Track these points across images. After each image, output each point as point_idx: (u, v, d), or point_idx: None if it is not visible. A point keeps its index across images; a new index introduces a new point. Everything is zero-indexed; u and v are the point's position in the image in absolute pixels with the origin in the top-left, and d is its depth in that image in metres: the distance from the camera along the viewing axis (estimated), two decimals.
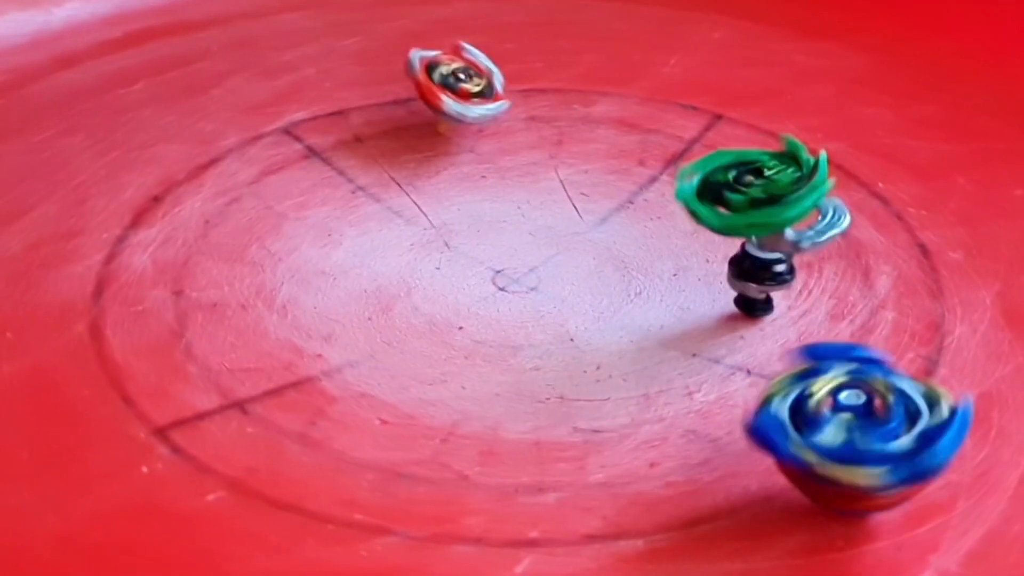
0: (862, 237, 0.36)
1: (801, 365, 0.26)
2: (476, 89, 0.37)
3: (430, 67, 0.37)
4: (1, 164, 0.33)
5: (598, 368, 0.32)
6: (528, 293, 0.34)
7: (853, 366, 0.26)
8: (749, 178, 0.28)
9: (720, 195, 0.28)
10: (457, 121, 0.37)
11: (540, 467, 0.27)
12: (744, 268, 0.30)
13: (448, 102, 0.36)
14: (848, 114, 0.41)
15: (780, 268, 0.30)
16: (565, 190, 0.38)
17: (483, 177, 0.38)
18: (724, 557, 0.24)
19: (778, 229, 0.28)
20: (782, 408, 0.25)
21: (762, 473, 0.26)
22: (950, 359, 0.30)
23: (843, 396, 0.25)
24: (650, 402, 0.30)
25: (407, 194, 0.37)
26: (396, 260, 0.34)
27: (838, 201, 0.29)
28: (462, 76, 0.37)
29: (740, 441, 0.27)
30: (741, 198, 0.28)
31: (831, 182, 0.28)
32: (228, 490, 0.25)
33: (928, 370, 0.30)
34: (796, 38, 0.44)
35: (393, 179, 0.37)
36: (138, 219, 0.34)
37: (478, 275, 0.34)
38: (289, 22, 0.42)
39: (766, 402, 0.25)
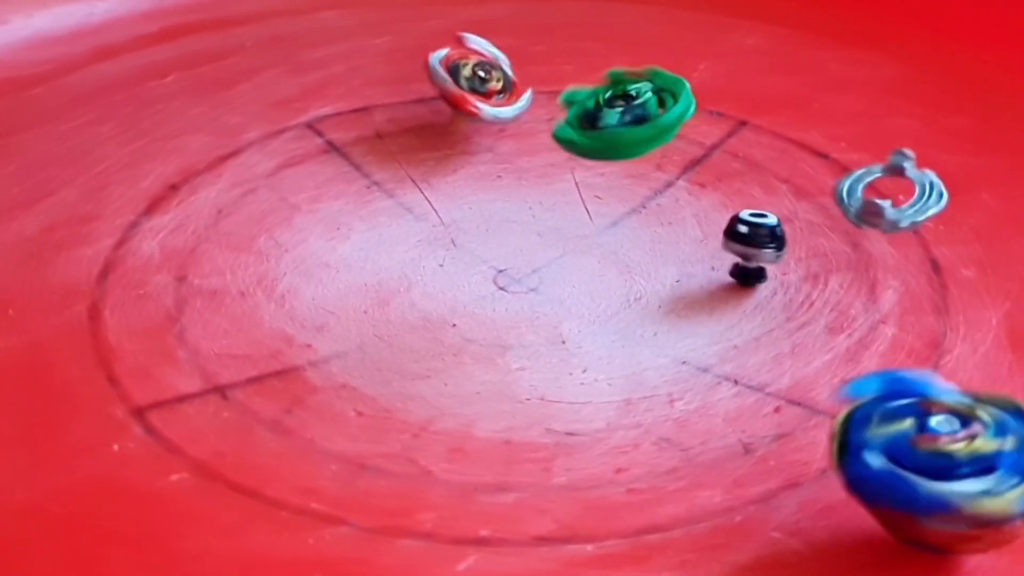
0: (873, 250, 0.35)
1: (854, 404, 0.24)
2: (499, 85, 0.36)
3: (451, 71, 0.36)
4: (31, 149, 0.35)
5: (584, 371, 0.31)
6: (527, 294, 0.34)
7: (918, 395, 0.24)
8: (620, 103, 0.29)
9: (594, 121, 0.29)
10: (490, 122, 0.38)
11: (506, 467, 0.27)
12: (734, 232, 0.31)
13: (485, 109, 0.35)
14: (876, 124, 0.40)
15: (764, 235, 0.30)
16: (579, 192, 0.37)
17: (499, 177, 0.38)
18: (670, 568, 0.24)
19: (641, 150, 0.29)
20: (879, 458, 0.22)
21: (727, 485, 0.26)
22: (944, 379, 0.30)
23: (935, 423, 0.24)
24: (630, 408, 0.30)
25: (421, 191, 0.37)
26: (401, 255, 0.34)
27: (934, 176, 0.29)
28: (482, 74, 0.36)
29: (712, 452, 0.26)
30: (610, 120, 0.29)
31: (694, 105, 0.29)
32: (192, 472, 0.25)
33: None
34: (831, 45, 0.43)
35: (409, 176, 0.37)
36: (153, 206, 0.34)
37: (480, 274, 0.34)
38: (323, 20, 0.43)
39: (856, 453, 0.23)
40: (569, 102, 0.29)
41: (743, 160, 0.39)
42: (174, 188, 0.35)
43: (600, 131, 0.28)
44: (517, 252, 0.35)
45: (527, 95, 0.37)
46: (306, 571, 0.23)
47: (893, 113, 0.40)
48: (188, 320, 0.31)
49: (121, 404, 0.27)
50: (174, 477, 0.25)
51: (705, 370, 0.31)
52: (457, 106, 0.35)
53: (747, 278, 0.31)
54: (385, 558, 0.24)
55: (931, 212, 0.28)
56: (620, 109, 0.28)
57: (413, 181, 0.37)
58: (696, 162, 0.38)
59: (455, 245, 0.35)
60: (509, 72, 0.36)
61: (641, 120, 0.28)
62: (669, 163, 0.38)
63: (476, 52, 0.37)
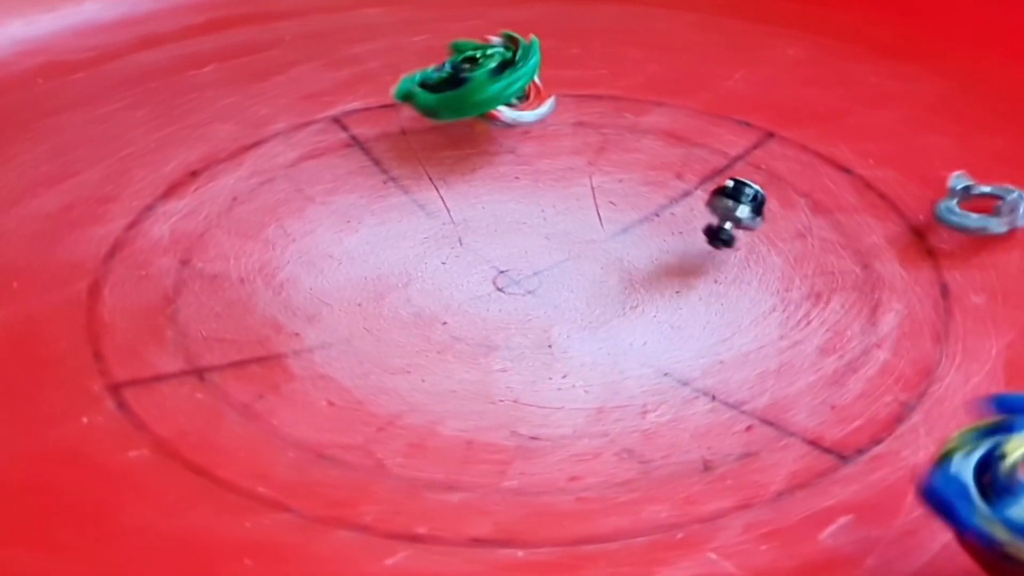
0: (883, 271, 0.33)
1: (990, 417, 0.23)
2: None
3: None
4: (65, 130, 0.36)
5: (564, 377, 0.31)
6: (524, 296, 0.33)
7: None
8: (466, 66, 0.32)
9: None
10: (515, 126, 0.36)
11: (461, 466, 0.27)
12: (721, 188, 0.31)
13: (505, 113, 0.34)
14: (910, 142, 0.38)
15: (748, 195, 0.30)
16: (594, 197, 0.37)
17: (516, 178, 0.38)
18: (664, 565, 0.23)
19: (474, 108, 0.31)
20: (965, 468, 0.21)
21: (678, 501, 0.25)
22: (928, 408, 0.27)
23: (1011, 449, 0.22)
24: (601, 416, 0.29)
25: (436, 189, 0.37)
26: (405, 251, 0.34)
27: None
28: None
29: (671, 467, 0.25)
30: (437, 78, 0.31)
31: (532, 67, 0.31)
32: (152, 449, 0.25)
33: (900, 416, 0.27)
34: (874, 59, 0.41)
35: (427, 173, 0.37)
36: (171, 191, 0.35)
37: (480, 273, 0.34)
38: (364, 17, 0.43)
39: (945, 459, 0.22)
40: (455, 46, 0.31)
41: (765, 172, 0.38)
42: (194, 174, 0.36)
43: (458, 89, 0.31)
44: (521, 254, 0.34)
45: (550, 101, 0.36)
46: (236, 554, 0.23)
47: (928, 131, 0.38)
48: (183, 302, 0.31)
49: (100, 379, 0.27)
50: (133, 453, 0.25)
51: (685, 383, 0.30)
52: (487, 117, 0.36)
53: (715, 238, 0.31)
54: (317, 547, 0.24)
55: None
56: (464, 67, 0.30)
57: (430, 179, 0.37)
58: (717, 172, 0.37)
59: (461, 244, 0.35)
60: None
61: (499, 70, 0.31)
62: (689, 172, 0.37)
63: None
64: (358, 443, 0.27)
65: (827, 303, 0.32)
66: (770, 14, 0.43)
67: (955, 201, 0.32)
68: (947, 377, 0.28)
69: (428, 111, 0.33)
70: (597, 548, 0.24)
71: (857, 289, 0.32)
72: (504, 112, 0.36)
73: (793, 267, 0.34)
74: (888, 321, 0.31)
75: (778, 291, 0.33)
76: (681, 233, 0.35)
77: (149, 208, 0.35)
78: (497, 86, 0.32)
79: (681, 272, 0.34)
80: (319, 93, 0.40)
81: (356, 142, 0.38)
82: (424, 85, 0.33)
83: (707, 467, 0.27)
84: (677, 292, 0.33)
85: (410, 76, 0.32)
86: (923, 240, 0.34)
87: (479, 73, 0.32)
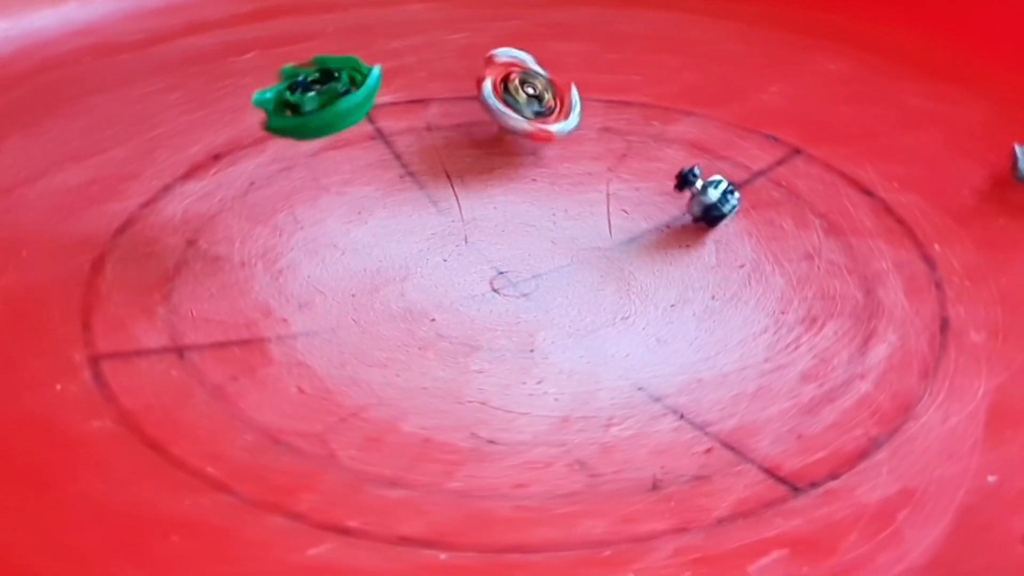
0: (885, 299, 0.31)
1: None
2: (551, 95, 0.35)
3: (507, 103, 0.35)
4: (102, 109, 0.37)
5: (539, 383, 0.30)
6: (518, 299, 0.33)
7: None
8: (316, 87, 0.31)
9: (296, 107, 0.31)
10: (483, 106, 0.35)
11: (411, 463, 0.26)
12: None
13: (556, 130, 0.34)
14: (940, 166, 0.36)
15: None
16: (608, 204, 0.36)
17: (533, 180, 0.37)
18: None
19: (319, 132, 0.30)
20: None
21: (615, 518, 0.24)
22: (897, 446, 0.26)
23: None
24: (565, 426, 0.28)
25: (452, 186, 0.36)
26: (409, 246, 0.34)
27: None
28: (531, 91, 0.34)
29: (619, 483, 0.25)
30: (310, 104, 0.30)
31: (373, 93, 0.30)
32: (115, 421, 0.26)
33: (865, 451, 0.26)
34: (916, 78, 0.39)
35: (445, 170, 0.37)
36: (192, 172, 0.36)
37: (479, 273, 0.34)
38: (407, 13, 0.43)
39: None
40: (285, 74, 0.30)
41: (785, 190, 0.37)
42: (217, 158, 0.37)
43: (302, 115, 0.30)
44: (524, 256, 0.34)
45: (529, 123, 0.34)
46: (166, 530, 0.24)
47: (962, 156, 0.36)
48: (181, 281, 0.32)
49: (83, 349, 0.28)
50: (96, 423, 0.26)
51: (657, 399, 0.29)
52: (533, 141, 0.35)
53: (683, 181, 0.31)
54: (245, 531, 0.24)
55: None
56: (315, 92, 0.30)
57: (447, 175, 0.37)
58: (737, 187, 0.37)
59: (466, 242, 0.35)
60: (542, 71, 0.35)
61: (335, 99, 0.30)
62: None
63: (512, 64, 0.36)
64: (316, 432, 0.27)
65: (821, 328, 0.31)
66: (815, 27, 0.42)
67: None
68: (924, 416, 0.27)
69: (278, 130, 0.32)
70: (521, 558, 0.23)
71: (854, 316, 0.31)
72: (556, 130, 0.35)
73: (794, 289, 0.33)
74: (878, 352, 0.30)
75: (774, 312, 0.32)
76: (688, 246, 0.34)
77: (167, 188, 0.35)
78: (331, 113, 0.31)
79: (680, 285, 0.33)
80: None
81: (381, 135, 0.38)
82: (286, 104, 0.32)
83: (655, 486, 0.26)
84: (672, 305, 0.32)
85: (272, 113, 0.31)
86: (933, 270, 0.33)
87: (307, 99, 0.31)
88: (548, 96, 0.36)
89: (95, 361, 0.28)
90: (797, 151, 0.37)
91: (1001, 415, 0.27)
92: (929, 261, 0.33)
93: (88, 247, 0.32)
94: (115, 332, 0.29)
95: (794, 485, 0.25)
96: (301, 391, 0.29)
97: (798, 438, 0.27)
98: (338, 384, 0.29)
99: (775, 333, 0.31)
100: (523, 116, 0.35)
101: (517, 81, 0.36)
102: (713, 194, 0.33)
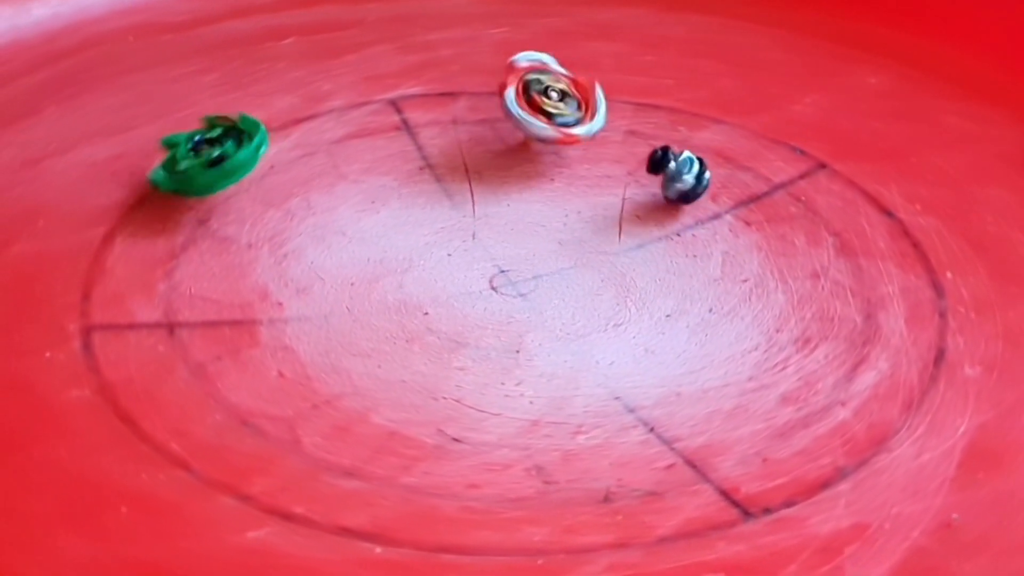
0: (884, 325, 0.30)
1: None
2: (554, 111, 0.34)
3: (527, 85, 0.35)
4: (139, 87, 0.37)
5: (517, 384, 0.30)
6: (515, 298, 0.33)
7: None
8: (205, 148, 0.32)
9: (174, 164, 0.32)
10: (506, 116, 0.34)
11: (371, 455, 0.26)
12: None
13: (581, 133, 0.33)
14: (967, 190, 0.34)
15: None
16: (622, 209, 0.35)
17: (551, 180, 0.37)
18: None
19: (216, 188, 0.31)
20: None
21: (559, 528, 0.23)
22: (861, 478, 0.25)
23: None
24: (533, 429, 0.28)
25: (468, 181, 0.36)
26: (416, 238, 0.34)
27: None
28: (555, 95, 0.34)
29: (573, 492, 0.24)
30: (195, 162, 0.31)
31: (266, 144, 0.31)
32: (93, 391, 0.26)
33: (828, 481, 0.25)
34: (959, 96, 0.37)
35: (465, 164, 0.37)
36: None
37: (481, 270, 0.33)
38: (449, 5, 0.43)
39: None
40: (167, 145, 0.32)
41: (803, 205, 0.35)
42: None
43: (180, 173, 0.31)
44: (528, 256, 0.34)
45: (552, 131, 0.34)
46: (117, 501, 0.24)
47: (992, 181, 0.34)
48: (186, 259, 0.32)
49: (78, 319, 0.29)
50: (74, 392, 0.27)
51: (632, 410, 0.28)
52: (561, 145, 0.34)
53: (656, 164, 0.31)
54: (192, 508, 0.24)
55: None
56: (194, 153, 0.31)
57: (466, 170, 0.37)
58: (754, 199, 0.35)
59: (474, 238, 0.34)
60: (562, 69, 0.35)
61: (217, 161, 0.31)
62: (726, 195, 0.35)
63: (533, 68, 0.36)
64: (286, 416, 0.27)
65: (813, 350, 0.30)
66: (859, 38, 0.40)
67: None
68: (898, 449, 0.26)
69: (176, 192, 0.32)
70: (454, 559, 0.23)
71: (849, 340, 0.30)
72: (581, 134, 0.35)
73: (794, 307, 0.32)
74: (865, 379, 0.29)
75: (768, 330, 0.31)
76: (695, 256, 0.34)
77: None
78: (213, 175, 0.31)
79: (680, 296, 0.32)
80: (384, 75, 0.40)
81: (406, 126, 0.39)
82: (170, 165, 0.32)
83: (607, 499, 0.25)
84: (667, 316, 0.32)
85: (159, 168, 0.32)
86: (940, 298, 0.31)
87: (192, 164, 0.31)
88: (573, 98, 0.36)
89: (87, 332, 0.29)
90: (822, 165, 0.36)
91: (977, 455, 0.25)
92: (938, 288, 0.31)
93: (103, 220, 0.33)
94: (112, 305, 0.30)
95: (746, 509, 0.24)
96: (281, 375, 0.29)
97: (763, 461, 0.26)
98: (318, 371, 0.29)
99: (765, 351, 0.30)
100: (548, 121, 0.35)
101: (542, 87, 0.36)
102: (688, 179, 0.32)
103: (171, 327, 0.30)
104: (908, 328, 0.29)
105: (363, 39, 0.42)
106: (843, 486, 0.24)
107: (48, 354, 0.27)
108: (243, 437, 0.26)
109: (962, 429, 0.26)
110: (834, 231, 0.34)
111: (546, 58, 0.36)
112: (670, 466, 0.26)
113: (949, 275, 0.31)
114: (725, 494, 0.25)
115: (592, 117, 0.36)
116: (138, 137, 0.37)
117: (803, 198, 0.35)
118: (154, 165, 0.34)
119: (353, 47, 0.41)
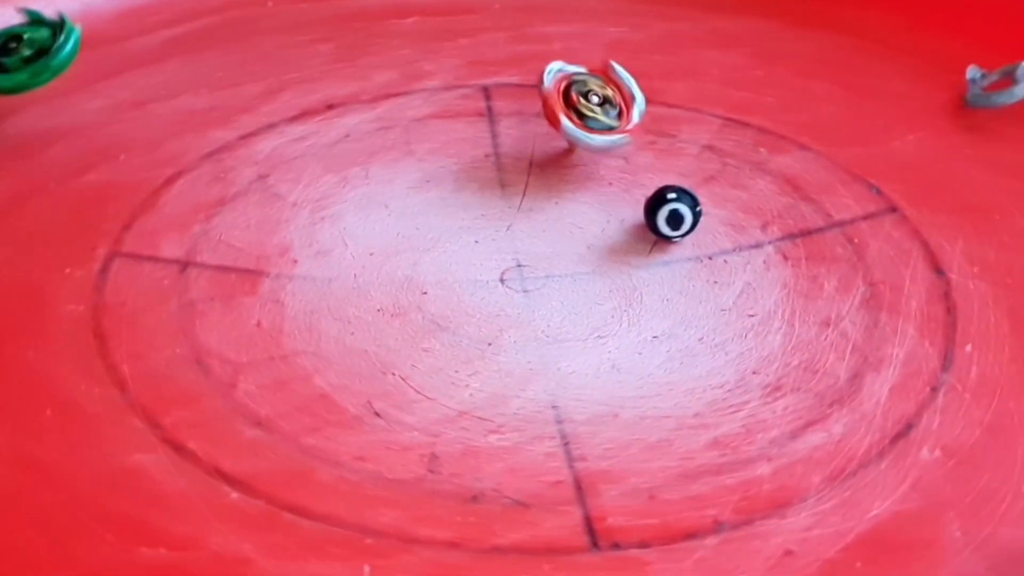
0: (864, 390, 0.27)
1: None
2: (608, 120, 0.34)
3: (570, 85, 0.34)
4: (256, 49, 0.38)
5: (471, 375, 0.29)
6: (517, 293, 0.32)
7: None
8: (13, 44, 0.33)
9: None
10: (573, 143, 0.34)
11: (289, 411, 0.27)
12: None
13: (566, 124, 0.33)
14: None
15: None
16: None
17: (610, 184, 0.35)
18: (318, 557, 0.22)
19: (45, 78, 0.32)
20: None
21: (411, 517, 0.23)
22: (731, 539, 0.22)
23: None
24: (454, 421, 0.27)
25: (528, 173, 0.36)
26: (452, 221, 0.34)
27: None
28: (596, 100, 0.34)
29: (449, 485, 0.24)
30: (14, 59, 0.32)
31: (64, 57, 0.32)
32: (87, 308, 0.28)
33: (697, 532, 0.23)
34: None
35: (532, 158, 0.36)
36: (301, 116, 0.37)
37: (498, 261, 0.33)
38: (576, 2, 0.42)
39: None
40: None
41: (853, 247, 0.32)
42: (330, 107, 0.39)
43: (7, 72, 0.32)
44: (551, 255, 0.33)
45: (620, 137, 0.33)
46: (46, 403, 0.26)
47: None
48: (231, 207, 0.34)
49: (110, 245, 0.31)
50: (71, 307, 0.29)
51: (560, 422, 0.27)
52: (544, 108, 0.34)
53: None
54: (107, 423, 0.25)
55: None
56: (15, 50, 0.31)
57: (531, 163, 0.36)
58: (804, 233, 0.32)
59: (508, 230, 0.34)
60: (635, 116, 0.33)
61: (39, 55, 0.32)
62: (778, 225, 0.33)
63: (613, 82, 0.35)
64: (239, 362, 0.29)
65: (777, 399, 0.27)
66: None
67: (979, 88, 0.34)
68: (791, 517, 0.23)
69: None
70: (292, 519, 0.23)
71: (820, 397, 0.27)
72: (566, 124, 0.34)
73: (785, 352, 0.29)
74: (810, 440, 0.26)
75: (745, 371, 0.28)
76: (716, 283, 0.31)
77: (272, 126, 0.38)
78: (23, 76, 0.32)
79: (678, 319, 0.30)
80: (487, 62, 0.40)
81: (489, 113, 0.39)
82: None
83: (475, 499, 0.24)
84: (654, 337, 0.30)
85: None
86: (943, 372, 0.27)
87: (12, 60, 0.32)
88: (615, 106, 0.35)
89: (111, 257, 0.32)
90: (893, 209, 0.33)
91: (873, 544, 0.23)
92: (948, 361, 0.28)
93: (174, 163, 0.36)
94: (145, 237, 0.32)
95: (596, 540, 0.23)
96: (259, 325, 0.30)
97: (650, 499, 0.24)
98: (294, 327, 0.30)
99: (729, 391, 0.28)
100: (602, 125, 0.34)
101: (596, 88, 0.35)
102: (665, 230, 0.30)
103: (185, 265, 0.32)
104: (890, 396, 0.26)
105: (481, 25, 0.43)
106: (708, 541, 0.23)
107: (68, 270, 0.31)
108: (188, 373, 0.28)
109: (875, 512, 0.23)
110: (871, 280, 0.31)
111: (573, 68, 0.35)
112: (557, 483, 0.25)
113: (968, 348, 0.28)
114: (588, 521, 0.24)
115: (630, 113, 0.35)
116: (238, 93, 0.40)
117: (856, 240, 0.32)
118: (243, 119, 0.38)
119: (469, 32, 0.42)
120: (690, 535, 0.23)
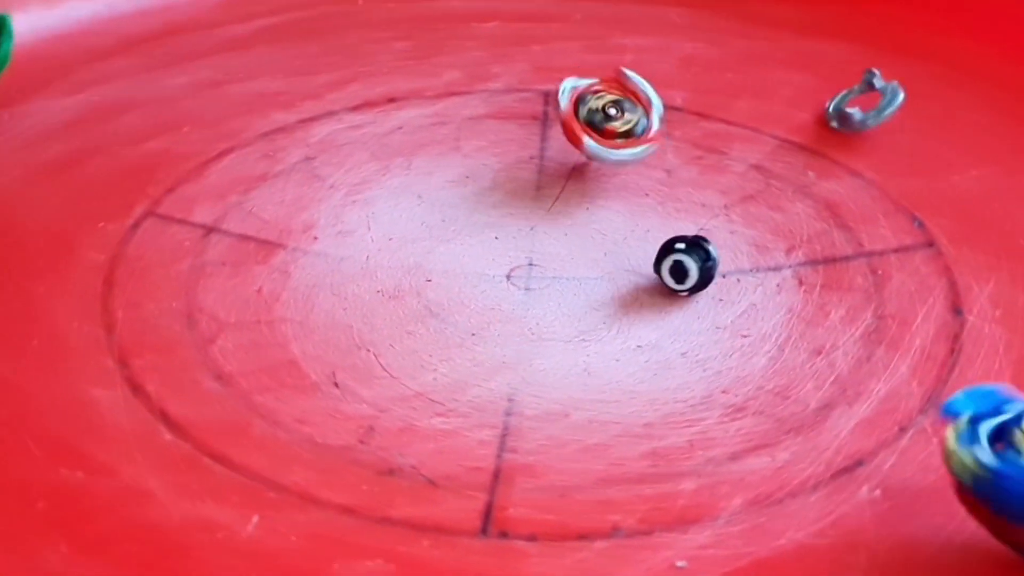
0: (828, 422, 0.25)
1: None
2: (624, 128, 0.33)
3: (579, 100, 0.34)
4: (339, 42, 0.38)
5: (442, 360, 0.28)
6: (519, 291, 0.31)
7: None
8: None
9: None
10: (599, 161, 0.33)
11: (252, 371, 0.27)
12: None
13: (589, 143, 0.33)
14: None
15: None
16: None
17: (646, 195, 0.34)
18: (215, 500, 0.22)
19: None
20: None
21: (313, 481, 0.23)
22: (618, 545, 0.21)
23: None
24: (406, 400, 0.27)
25: (567, 179, 0.35)
26: (479, 217, 0.33)
27: (895, 84, 0.33)
28: (612, 112, 0.33)
29: (370, 456, 0.23)
30: None
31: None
32: (106, 258, 0.29)
33: (586, 534, 0.21)
34: None
35: (574, 163, 0.35)
36: (360, 107, 0.37)
37: (511, 259, 0.32)
38: (658, 13, 0.40)
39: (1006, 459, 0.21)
40: None
41: (875, 279, 0.29)
42: (391, 100, 0.39)
43: None
44: (564, 258, 0.32)
45: (644, 147, 0.32)
46: (33, 334, 0.27)
47: None
48: (271, 183, 0.35)
49: (147, 206, 0.32)
50: (92, 255, 0.30)
51: (508, 414, 0.26)
52: (564, 131, 0.33)
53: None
54: (79, 357, 0.26)
55: (891, 110, 0.33)
56: None
57: (572, 169, 0.35)
58: (828, 260, 0.30)
59: (531, 230, 0.33)
60: (655, 121, 0.33)
61: None
62: (804, 250, 0.31)
63: (629, 91, 0.34)
64: (225, 322, 0.29)
65: (735, 420, 0.25)
66: None
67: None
68: (691, 535, 0.21)
69: None
70: (210, 464, 0.23)
71: (780, 423, 0.25)
72: (587, 142, 0.33)
73: (764, 375, 0.27)
74: (750, 464, 0.24)
75: (715, 389, 0.27)
76: (721, 300, 0.30)
77: (331, 113, 0.39)
78: None
79: (667, 333, 0.29)
80: (556, 68, 0.40)
81: (544, 118, 0.38)
82: None
83: (391, 473, 0.24)
84: (638, 346, 0.28)
85: None
86: (921, 413, 0.24)
87: None
88: (620, 127, 0.33)
89: (146, 216, 0.33)
90: (930, 244, 0.30)
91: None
92: (930, 402, 0.25)
93: (230, 139, 0.37)
94: (183, 202, 0.34)
95: (487, 528, 0.22)
96: (258, 291, 0.31)
97: (560, 497, 0.23)
98: (291, 296, 0.31)
99: (691, 406, 0.26)
100: (576, 115, 0.33)
101: (610, 99, 0.33)
102: (670, 283, 0.28)
103: (210, 230, 0.33)
104: (853, 431, 0.24)
105: (559, 33, 0.43)
106: (597, 544, 0.21)
107: (103, 224, 0.32)
108: (174, 324, 0.29)
109: (781, 542, 0.21)
110: (881, 315, 0.28)
111: (585, 81, 0.34)
112: (476, 469, 0.24)
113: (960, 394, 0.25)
114: (487, 508, 0.23)
115: (649, 118, 0.33)
116: (309, 81, 0.40)
117: (880, 272, 0.30)
118: (307, 104, 0.39)
119: (545, 39, 0.42)
120: (582, 536, 0.22)
